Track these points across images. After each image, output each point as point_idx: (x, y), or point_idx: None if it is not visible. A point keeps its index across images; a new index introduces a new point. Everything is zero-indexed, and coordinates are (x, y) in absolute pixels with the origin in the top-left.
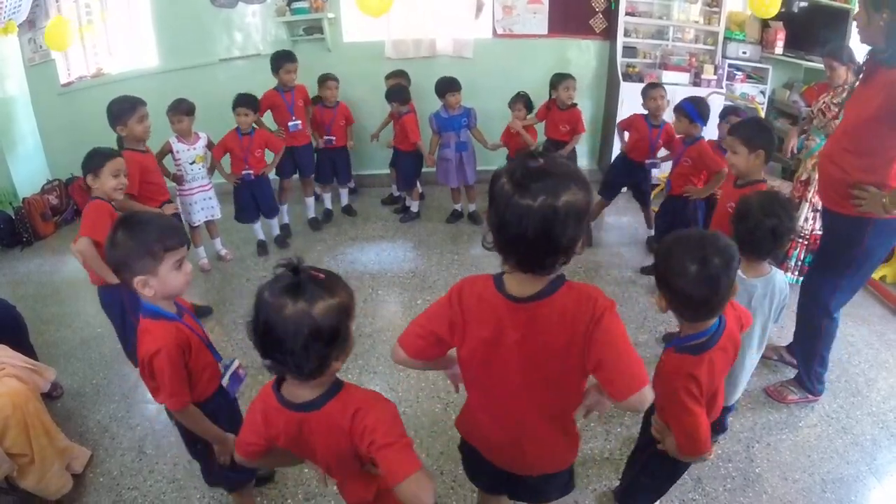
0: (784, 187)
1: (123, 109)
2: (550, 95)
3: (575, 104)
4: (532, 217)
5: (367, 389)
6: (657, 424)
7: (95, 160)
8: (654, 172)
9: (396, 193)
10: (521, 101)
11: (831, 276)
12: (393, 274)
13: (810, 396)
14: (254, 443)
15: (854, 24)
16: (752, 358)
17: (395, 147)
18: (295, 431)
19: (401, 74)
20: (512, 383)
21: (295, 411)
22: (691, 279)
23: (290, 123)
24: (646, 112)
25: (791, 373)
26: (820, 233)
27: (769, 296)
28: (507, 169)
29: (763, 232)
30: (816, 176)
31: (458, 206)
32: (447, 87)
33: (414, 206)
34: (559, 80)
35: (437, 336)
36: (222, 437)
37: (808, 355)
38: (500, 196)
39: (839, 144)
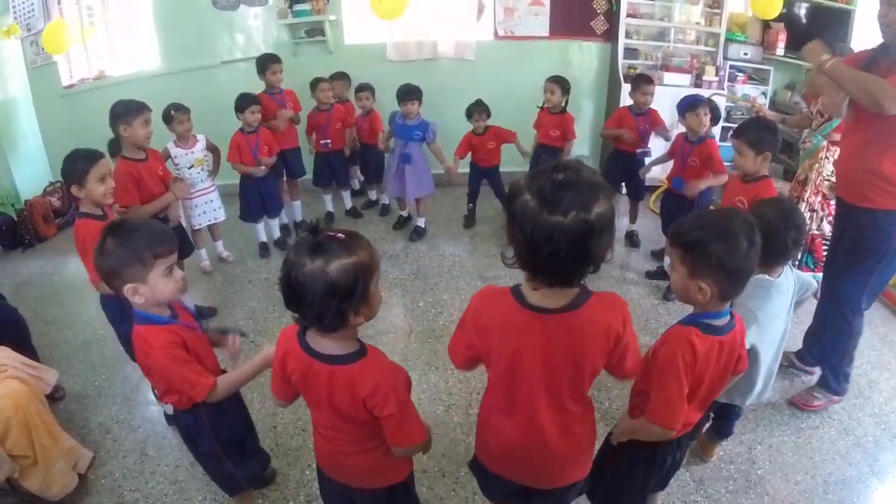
0: (784, 188)
1: (130, 109)
2: (544, 101)
3: (565, 109)
4: (565, 234)
5: (387, 362)
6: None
7: (78, 166)
8: (656, 170)
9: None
10: (483, 111)
11: (860, 274)
12: (395, 276)
13: (834, 398)
14: (280, 386)
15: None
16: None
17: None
18: (311, 377)
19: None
20: (537, 391)
21: (317, 360)
22: (744, 255)
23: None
24: (630, 104)
25: (807, 379)
26: (817, 233)
27: (791, 288)
28: (530, 184)
29: (786, 244)
30: (814, 176)
31: (403, 213)
32: (403, 94)
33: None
34: (546, 83)
35: (469, 355)
36: (258, 367)
37: (838, 355)
38: (524, 214)
39: (856, 138)
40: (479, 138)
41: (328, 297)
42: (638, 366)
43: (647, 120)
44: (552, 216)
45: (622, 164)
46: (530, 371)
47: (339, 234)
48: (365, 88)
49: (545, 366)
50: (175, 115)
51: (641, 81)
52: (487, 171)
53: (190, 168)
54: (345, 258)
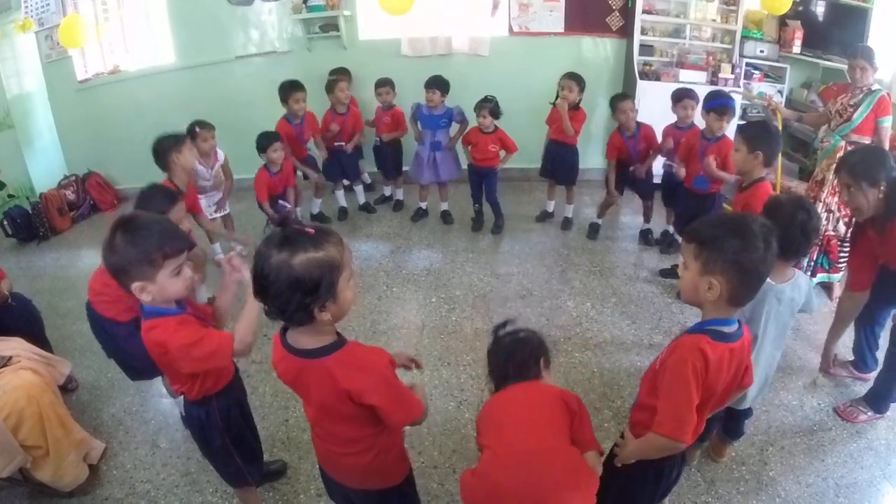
0: (800, 188)
1: (175, 140)
2: (557, 96)
3: (578, 106)
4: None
5: (365, 348)
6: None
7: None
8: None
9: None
10: (487, 107)
11: None
12: (408, 272)
13: (877, 415)
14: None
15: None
16: (765, 358)
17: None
18: (294, 373)
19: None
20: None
21: (294, 355)
22: (760, 256)
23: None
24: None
25: (856, 388)
26: (832, 234)
27: (796, 298)
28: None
29: (795, 228)
30: (831, 177)
31: (423, 205)
32: (428, 83)
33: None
34: (563, 80)
35: None
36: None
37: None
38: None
39: None
40: (483, 136)
41: (291, 290)
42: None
43: (637, 140)
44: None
45: (625, 168)
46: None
47: (309, 229)
48: (385, 83)
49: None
50: (200, 132)
51: (618, 99)
52: (484, 173)
53: (205, 181)
54: (311, 252)
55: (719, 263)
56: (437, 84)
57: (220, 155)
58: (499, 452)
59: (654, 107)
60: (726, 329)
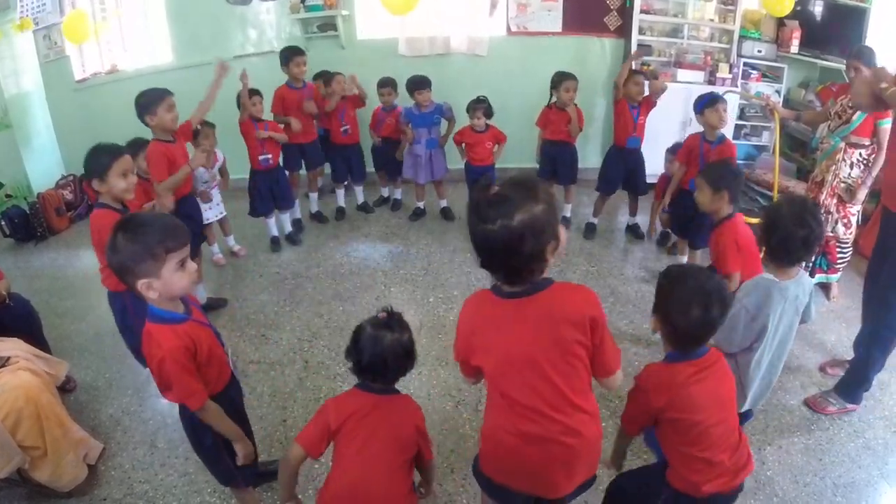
0: (798, 187)
1: (152, 99)
2: (551, 96)
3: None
4: (495, 240)
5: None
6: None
7: (101, 160)
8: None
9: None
10: (482, 107)
11: None
12: (405, 271)
13: (849, 406)
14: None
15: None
16: (769, 359)
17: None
18: (367, 410)
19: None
20: (534, 383)
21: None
22: (692, 321)
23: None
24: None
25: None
26: (831, 235)
27: (800, 296)
28: (469, 200)
29: (795, 242)
30: (830, 178)
31: (420, 204)
32: (416, 85)
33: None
34: (560, 81)
35: (472, 365)
36: (241, 435)
37: (871, 363)
38: (468, 224)
39: None
40: (477, 136)
41: (403, 359)
42: (617, 361)
43: (640, 110)
44: (484, 225)
45: (622, 159)
46: (520, 361)
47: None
48: (387, 84)
49: (531, 349)
50: (202, 129)
51: (633, 72)
52: (482, 171)
53: (204, 182)
54: (408, 328)
55: (659, 310)
56: (424, 83)
57: (220, 156)
58: None
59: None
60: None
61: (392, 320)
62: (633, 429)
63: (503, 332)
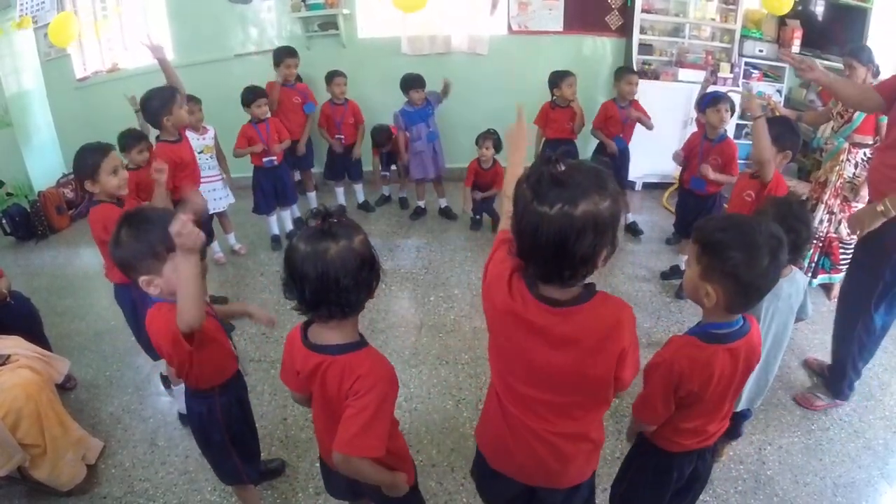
0: (800, 187)
1: (166, 98)
2: (552, 94)
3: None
4: (549, 225)
5: (382, 361)
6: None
7: (88, 161)
8: (668, 168)
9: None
10: (491, 138)
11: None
12: (406, 270)
13: (838, 401)
14: (290, 380)
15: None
16: (763, 359)
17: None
18: (312, 369)
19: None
20: (541, 393)
21: (316, 352)
22: (762, 271)
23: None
24: (614, 97)
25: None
26: (834, 235)
27: (794, 294)
28: (530, 172)
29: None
30: (834, 178)
31: (421, 203)
32: (412, 83)
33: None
34: (561, 78)
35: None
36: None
37: (858, 357)
38: (518, 200)
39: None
40: (483, 172)
41: (359, 272)
42: (634, 375)
43: (628, 112)
44: (540, 206)
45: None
46: (536, 377)
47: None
48: (339, 74)
49: (552, 371)
50: (187, 105)
51: (626, 72)
52: (486, 197)
53: (199, 153)
54: (360, 232)
55: (717, 273)
56: (419, 81)
57: (211, 128)
58: None
59: (653, 107)
60: (722, 331)
61: (331, 224)
62: (656, 420)
63: (528, 343)
